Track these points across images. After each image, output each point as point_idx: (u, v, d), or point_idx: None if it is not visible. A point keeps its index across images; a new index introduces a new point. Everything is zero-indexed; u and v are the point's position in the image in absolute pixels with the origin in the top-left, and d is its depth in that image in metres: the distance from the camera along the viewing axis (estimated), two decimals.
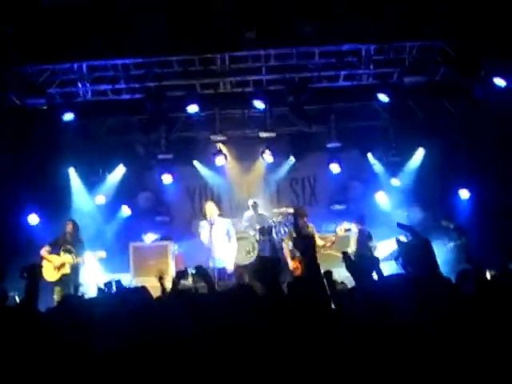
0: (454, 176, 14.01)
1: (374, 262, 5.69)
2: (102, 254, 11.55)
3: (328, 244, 11.26)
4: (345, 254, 5.91)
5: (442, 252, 11.80)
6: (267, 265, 2.98)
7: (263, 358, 2.60)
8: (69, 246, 11.28)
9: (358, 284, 5.04)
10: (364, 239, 11.83)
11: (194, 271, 5.37)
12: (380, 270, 5.48)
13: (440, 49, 12.22)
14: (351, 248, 11.76)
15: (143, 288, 4.72)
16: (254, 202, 13.90)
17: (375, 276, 5.44)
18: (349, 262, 5.40)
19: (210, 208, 11.13)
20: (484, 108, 12.31)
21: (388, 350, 2.60)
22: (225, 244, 10.98)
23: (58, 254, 11.24)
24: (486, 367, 2.43)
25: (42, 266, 10.56)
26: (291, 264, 11.21)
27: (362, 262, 5.56)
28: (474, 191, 13.63)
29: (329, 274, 4.66)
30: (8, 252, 11.36)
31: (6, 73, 12.12)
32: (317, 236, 10.87)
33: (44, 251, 11.24)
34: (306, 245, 3.11)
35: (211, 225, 10.84)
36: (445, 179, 14.43)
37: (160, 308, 4.07)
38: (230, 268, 11.01)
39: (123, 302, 4.38)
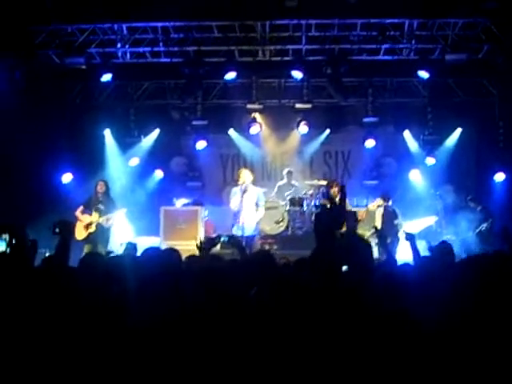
0: (490, 158, 13.80)
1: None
2: (123, 210, 11.76)
3: (358, 219, 11.19)
4: (376, 228, 5.95)
5: (472, 234, 11.71)
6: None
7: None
8: (100, 206, 11.41)
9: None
10: (388, 216, 11.47)
11: (226, 239, 5.36)
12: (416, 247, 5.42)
13: (484, 26, 11.95)
14: (376, 224, 11.51)
15: (174, 250, 4.62)
16: (289, 171, 13.95)
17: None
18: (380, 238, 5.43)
19: (245, 174, 11.08)
20: None
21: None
22: (253, 212, 10.98)
23: (90, 214, 11.40)
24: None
25: (74, 225, 10.72)
26: None
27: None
28: (510, 174, 13.39)
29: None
30: (41, 209, 11.51)
31: (47, 31, 12.17)
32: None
33: (78, 212, 11.43)
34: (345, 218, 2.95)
35: (243, 192, 10.81)
36: (481, 161, 14.26)
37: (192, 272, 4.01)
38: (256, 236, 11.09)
39: (153, 264, 4.37)
